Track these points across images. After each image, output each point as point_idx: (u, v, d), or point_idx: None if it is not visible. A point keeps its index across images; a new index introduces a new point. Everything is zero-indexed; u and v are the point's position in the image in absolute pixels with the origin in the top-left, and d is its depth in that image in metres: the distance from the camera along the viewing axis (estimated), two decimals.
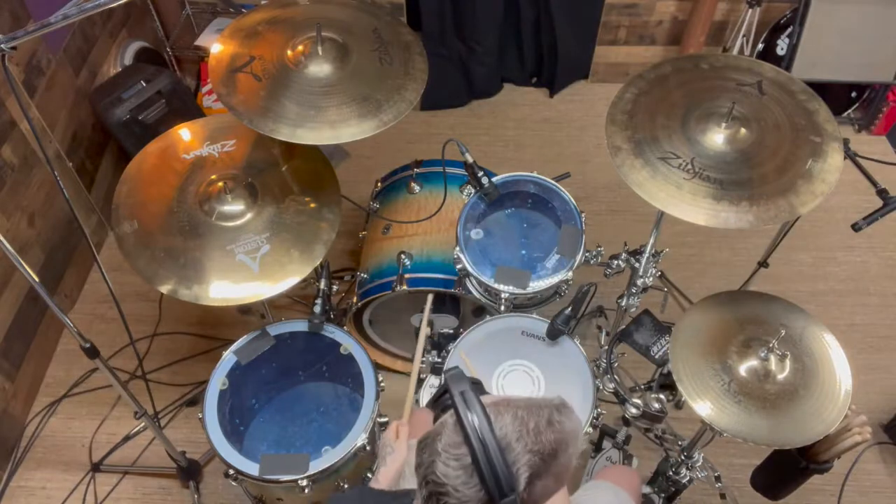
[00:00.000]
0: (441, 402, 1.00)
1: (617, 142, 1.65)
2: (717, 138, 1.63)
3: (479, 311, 2.23)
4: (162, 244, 1.73)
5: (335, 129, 1.65)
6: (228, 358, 1.88)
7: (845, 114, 3.22)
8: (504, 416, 0.90)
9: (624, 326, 1.92)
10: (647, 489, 1.99)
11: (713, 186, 1.56)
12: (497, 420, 0.89)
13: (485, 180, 1.97)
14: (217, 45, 1.76)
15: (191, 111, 2.77)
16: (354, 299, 2.20)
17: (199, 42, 3.20)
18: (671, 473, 1.89)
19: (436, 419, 0.98)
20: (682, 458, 1.86)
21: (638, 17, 3.24)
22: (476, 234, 2.00)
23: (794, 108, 1.68)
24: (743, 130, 1.64)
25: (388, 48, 1.80)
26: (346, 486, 1.87)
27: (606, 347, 1.96)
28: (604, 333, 2.25)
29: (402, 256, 2.12)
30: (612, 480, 1.55)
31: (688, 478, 1.88)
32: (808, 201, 1.53)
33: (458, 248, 1.95)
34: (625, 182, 1.61)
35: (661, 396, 1.83)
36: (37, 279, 1.50)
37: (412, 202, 2.28)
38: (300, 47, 1.75)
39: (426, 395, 1.91)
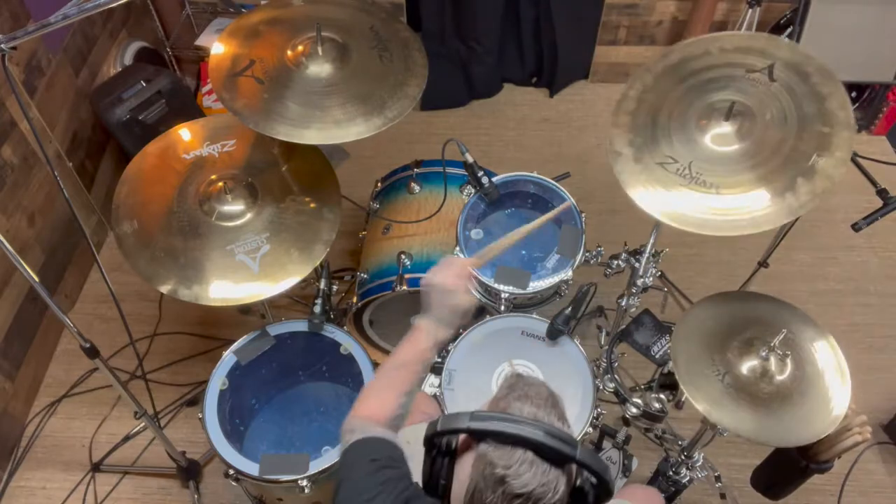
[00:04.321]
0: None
1: (617, 146, 1.64)
2: (717, 137, 1.62)
3: (479, 311, 2.23)
4: (162, 244, 1.73)
5: (342, 129, 1.66)
6: (228, 358, 1.88)
7: None
8: (514, 405, 0.95)
9: (624, 326, 1.92)
10: None
11: (709, 191, 1.56)
12: (513, 411, 0.94)
13: (485, 180, 1.97)
14: (218, 46, 1.76)
15: (191, 111, 2.77)
16: (354, 299, 2.20)
17: (199, 42, 3.20)
18: (671, 473, 1.89)
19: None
20: (682, 458, 1.86)
21: (638, 17, 3.24)
22: (476, 234, 2.00)
23: (806, 93, 1.60)
24: (744, 125, 1.61)
25: (387, 45, 1.80)
26: None
27: (606, 347, 1.96)
28: (604, 333, 2.25)
29: (402, 256, 2.12)
30: (636, 502, 1.56)
31: (688, 478, 1.88)
32: (807, 202, 1.51)
33: (458, 248, 1.95)
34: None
35: (662, 396, 1.83)
36: (37, 279, 1.50)
37: (412, 202, 2.28)
38: (300, 47, 1.75)
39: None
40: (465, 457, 0.95)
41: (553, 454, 0.89)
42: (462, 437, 0.96)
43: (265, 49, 1.76)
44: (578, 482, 0.92)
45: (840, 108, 1.55)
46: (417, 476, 1.26)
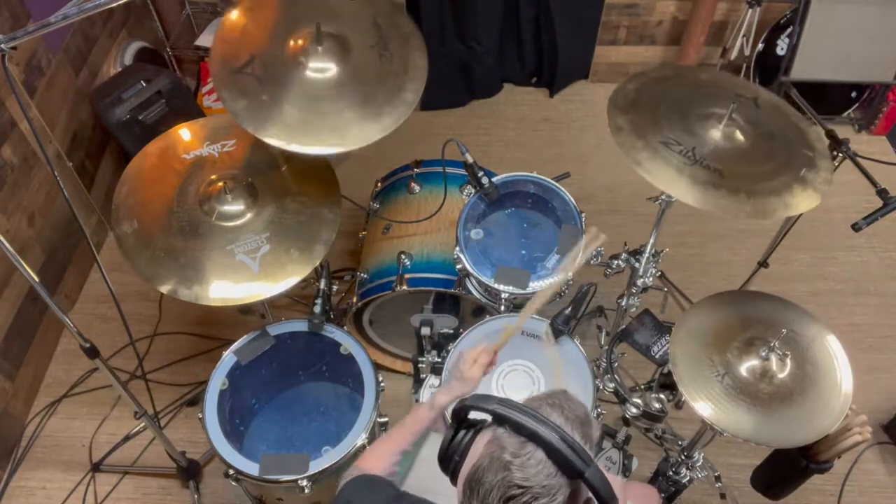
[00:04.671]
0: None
1: (619, 122, 1.66)
2: (716, 134, 1.64)
3: (479, 311, 2.23)
4: (162, 244, 1.73)
5: (340, 137, 1.66)
6: (228, 358, 1.88)
7: (845, 114, 3.22)
8: (544, 408, 0.96)
9: (624, 326, 1.92)
10: None
11: (713, 175, 1.57)
12: (541, 412, 0.94)
13: (485, 180, 1.97)
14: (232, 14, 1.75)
15: (191, 111, 2.77)
16: (354, 299, 2.20)
17: (199, 42, 3.20)
18: (671, 473, 1.89)
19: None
20: (682, 458, 1.86)
21: (638, 17, 3.24)
22: (476, 234, 2.00)
23: (789, 124, 1.71)
24: (739, 134, 1.66)
25: (388, 43, 1.78)
26: None
27: (606, 347, 1.96)
28: (604, 333, 2.25)
29: (402, 256, 2.12)
30: (633, 500, 1.55)
31: (688, 478, 1.88)
32: (802, 202, 1.55)
33: (458, 248, 1.95)
34: (625, 174, 1.62)
35: (661, 396, 1.83)
36: (37, 279, 1.50)
37: (412, 202, 2.28)
38: (300, 41, 1.73)
39: (426, 395, 1.91)
40: (483, 435, 0.97)
41: (563, 461, 0.89)
42: (484, 424, 0.98)
43: (265, 39, 1.74)
44: (583, 502, 0.92)
45: (817, 142, 1.68)
46: (420, 480, 1.27)
